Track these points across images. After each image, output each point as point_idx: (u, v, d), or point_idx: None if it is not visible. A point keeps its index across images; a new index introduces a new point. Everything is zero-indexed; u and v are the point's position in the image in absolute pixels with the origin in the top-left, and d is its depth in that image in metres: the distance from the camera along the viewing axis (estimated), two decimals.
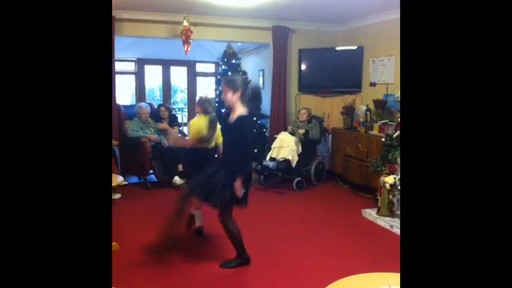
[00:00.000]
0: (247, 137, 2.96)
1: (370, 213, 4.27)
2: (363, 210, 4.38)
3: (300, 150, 5.39)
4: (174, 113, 7.17)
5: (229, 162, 2.93)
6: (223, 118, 3.05)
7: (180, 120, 8.31)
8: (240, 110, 2.92)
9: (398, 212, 4.13)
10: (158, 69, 9.08)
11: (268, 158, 5.46)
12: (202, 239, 3.62)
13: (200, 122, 3.68)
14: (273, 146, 5.49)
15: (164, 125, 5.76)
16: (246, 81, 3.09)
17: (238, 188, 2.87)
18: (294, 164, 5.26)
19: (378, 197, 4.23)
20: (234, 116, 2.94)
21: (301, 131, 5.52)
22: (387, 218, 4.07)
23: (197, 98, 3.94)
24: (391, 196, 4.12)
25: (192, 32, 5.47)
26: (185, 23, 5.38)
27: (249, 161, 3.10)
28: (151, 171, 5.51)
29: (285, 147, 5.36)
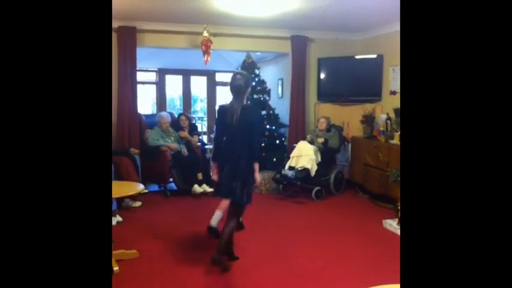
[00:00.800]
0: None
1: (391, 224, 4.20)
2: (383, 221, 4.31)
3: (319, 159, 5.36)
4: (194, 122, 7.26)
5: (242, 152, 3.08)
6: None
7: (199, 129, 8.41)
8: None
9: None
10: (179, 78, 9.23)
11: (287, 167, 5.45)
12: (213, 237, 3.69)
13: None
14: (292, 155, 5.48)
15: (185, 133, 5.83)
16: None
17: (257, 171, 3.09)
18: (313, 173, 5.23)
19: (399, 207, 4.15)
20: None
21: (320, 140, 5.49)
22: None
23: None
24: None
25: (211, 42, 5.55)
26: (205, 34, 5.46)
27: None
28: (171, 179, 5.58)
29: (304, 156, 5.34)
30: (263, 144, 6.39)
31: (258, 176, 3.13)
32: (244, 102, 3.13)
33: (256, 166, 3.09)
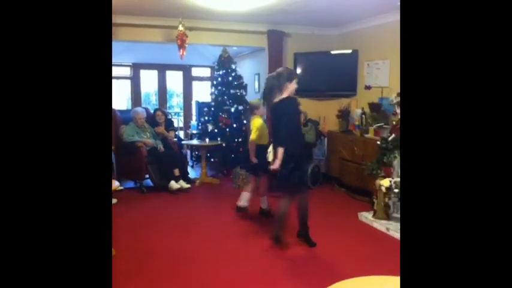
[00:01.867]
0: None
1: (367, 217, 4.28)
2: (359, 214, 4.39)
3: None
4: (170, 117, 7.17)
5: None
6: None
7: (176, 125, 8.32)
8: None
9: (395, 215, 4.15)
10: (154, 73, 9.09)
11: None
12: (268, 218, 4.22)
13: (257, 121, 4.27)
14: (269, 150, 5.49)
15: (161, 128, 5.76)
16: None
17: (278, 157, 3.30)
18: None
19: (374, 200, 4.24)
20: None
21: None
22: (383, 221, 4.08)
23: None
24: (387, 199, 4.13)
25: (187, 37, 5.48)
26: (180, 28, 5.39)
27: (287, 137, 3.37)
28: (147, 175, 5.50)
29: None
30: (240, 140, 6.39)
31: (276, 162, 3.32)
32: (282, 95, 3.37)
33: (279, 151, 3.30)
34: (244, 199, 4.40)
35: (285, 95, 3.38)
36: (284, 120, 3.31)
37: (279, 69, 3.53)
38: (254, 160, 4.20)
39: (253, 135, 4.20)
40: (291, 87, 3.40)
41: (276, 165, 3.30)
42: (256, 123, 4.25)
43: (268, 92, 3.47)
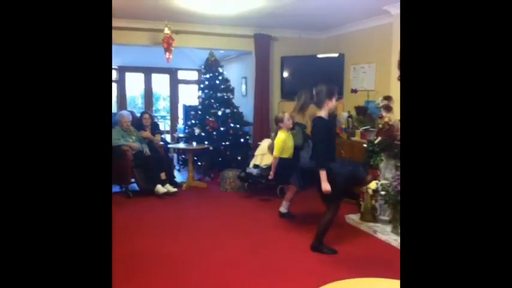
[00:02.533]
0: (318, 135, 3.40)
1: (353, 219, 4.30)
2: (346, 216, 4.41)
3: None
4: (157, 120, 7.12)
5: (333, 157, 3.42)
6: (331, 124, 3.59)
7: (162, 128, 8.26)
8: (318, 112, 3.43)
9: (381, 217, 4.18)
10: (140, 76, 9.02)
11: (251, 165, 5.45)
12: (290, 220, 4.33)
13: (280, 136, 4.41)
14: (256, 153, 5.49)
15: (147, 133, 5.70)
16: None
17: (323, 180, 3.24)
18: None
19: (361, 203, 4.26)
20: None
21: None
22: (370, 223, 4.10)
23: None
24: (373, 201, 4.16)
25: (173, 40, 5.45)
26: (166, 31, 5.36)
27: (324, 156, 3.38)
28: (133, 179, 5.44)
29: (268, 154, 5.37)
30: (227, 143, 6.37)
31: (324, 185, 3.23)
32: (321, 112, 3.40)
33: (322, 174, 3.24)
34: (284, 206, 4.48)
35: (323, 111, 3.39)
36: (319, 139, 3.36)
37: (319, 87, 3.51)
38: (272, 176, 4.45)
39: (276, 152, 4.40)
40: (331, 104, 3.41)
41: (326, 187, 3.23)
42: (280, 138, 4.42)
43: (301, 108, 3.61)
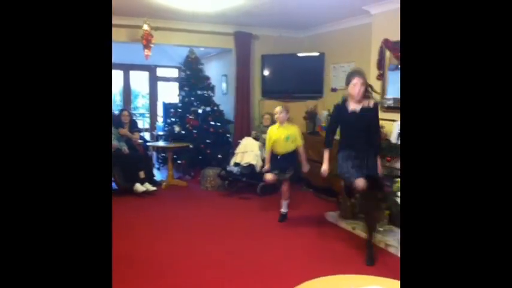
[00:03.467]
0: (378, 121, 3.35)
1: (333, 216, 4.34)
2: (326, 213, 4.45)
3: (264, 155, 5.41)
4: (135, 118, 7.01)
5: (362, 147, 3.25)
6: (345, 111, 3.34)
7: (141, 126, 8.14)
8: (367, 99, 3.25)
9: (360, 215, 4.23)
10: (118, 73, 8.86)
11: (232, 163, 5.44)
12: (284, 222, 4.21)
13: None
14: (236, 151, 5.48)
15: (125, 131, 5.60)
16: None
17: (380, 165, 3.27)
18: (258, 168, 5.27)
19: (341, 200, 4.31)
20: (359, 106, 3.24)
21: (266, 136, 5.54)
22: (349, 221, 4.15)
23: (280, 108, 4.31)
24: (352, 199, 4.21)
25: (152, 37, 5.38)
26: (145, 27, 5.28)
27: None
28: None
29: (249, 152, 5.37)
30: (208, 141, 6.33)
31: (380, 168, 3.33)
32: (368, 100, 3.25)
33: (379, 161, 3.35)
34: (285, 206, 4.35)
35: (349, 99, 3.29)
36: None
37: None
38: (267, 167, 4.27)
39: (299, 142, 4.22)
40: (348, 90, 3.26)
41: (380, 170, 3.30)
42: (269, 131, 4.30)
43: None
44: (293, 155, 4.19)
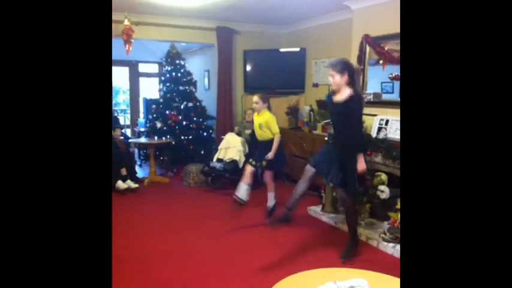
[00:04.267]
0: (359, 115, 3.12)
1: (315, 210, 4.39)
2: (308, 208, 4.50)
3: (247, 150, 5.42)
4: (116, 115, 6.91)
5: (344, 141, 3.12)
6: (330, 102, 3.23)
7: (122, 122, 8.03)
8: (347, 91, 3.04)
9: (341, 208, 4.29)
10: None
11: (215, 159, 5.43)
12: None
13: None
14: (219, 147, 5.47)
15: None
16: (351, 64, 3.21)
17: (361, 163, 3.05)
18: (241, 164, 5.27)
19: (322, 195, 4.36)
20: (341, 97, 3.06)
21: (248, 132, 5.55)
22: (331, 215, 4.21)
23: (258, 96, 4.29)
24: (334, 193, 4.26)
25: (133, 32, 5.30)
26: (126, 22, 5.20)
27: (363, 136, 3.30)
28: None
29: (232, 148, 5.36)
30: (190, 137, 6.30)
31: (361, 165, 3.10)
32: (348, 91, 3.04)
33: (361, 158, 3.11)
34: (271, 198, 4.27)
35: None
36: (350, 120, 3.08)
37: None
38: (272, 156, 4.09)
39: (277, 128, 4.14)
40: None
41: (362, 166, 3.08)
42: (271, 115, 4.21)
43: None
44: (270, 143, 4.11)
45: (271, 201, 4.26)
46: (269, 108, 4.27)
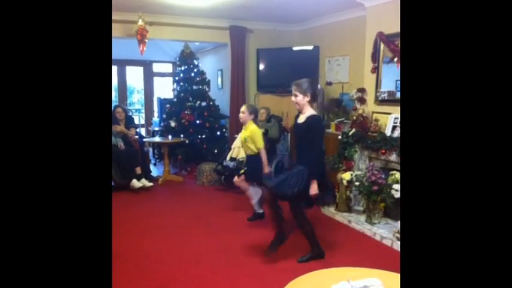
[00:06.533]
0: (317, 135, 3.03)
1: (329, 209, 4.37)
2: (322, 207, 4.48)
3: None
4: (131, 114, 6.99)
5: (303, 161, 3.03)
6: (294, 124, 3.23)
7: (137, 122, 8.11)
8: (310, 111, 3.05)
9: (356, 208, 4.27)
10: (113, 69, 8.82)
11: (228, 158, 5.45)
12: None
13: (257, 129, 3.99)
14: (233, 146, 5.49)
15: (121, 127, 5.59)
16: (314, 84, 3.20)
17: (314, 188, 2.96)
18: None
19: (336, 193, 4.34)
20: (303, 118, 3.06)
21: (261, 131, 5.55)
22: (345, 214, 4.18)
23: (247, 106, 4.17)
24: (348, 192, 4.24)
25: (147, 31, 5.35)
26: (140, 22, 5.26)
27: (322, 159, 3.17)
28: None
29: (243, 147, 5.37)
30: (203, 136, 6.33)
31: (313, 190, 3.00)
32: (311, 111, 3.04)
33: (313, 182, 3.00)
34: (258, 205, 4.19)
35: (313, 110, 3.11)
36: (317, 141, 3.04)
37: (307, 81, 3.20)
38: (266, 170, 4.00)
39: (262, 143, 3.97)
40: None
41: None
42: (257, 129, 4.06)
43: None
44: (257, 157, 3.96)
45: (256, 197, 4.13)
46: (255, 121, 4.13)
